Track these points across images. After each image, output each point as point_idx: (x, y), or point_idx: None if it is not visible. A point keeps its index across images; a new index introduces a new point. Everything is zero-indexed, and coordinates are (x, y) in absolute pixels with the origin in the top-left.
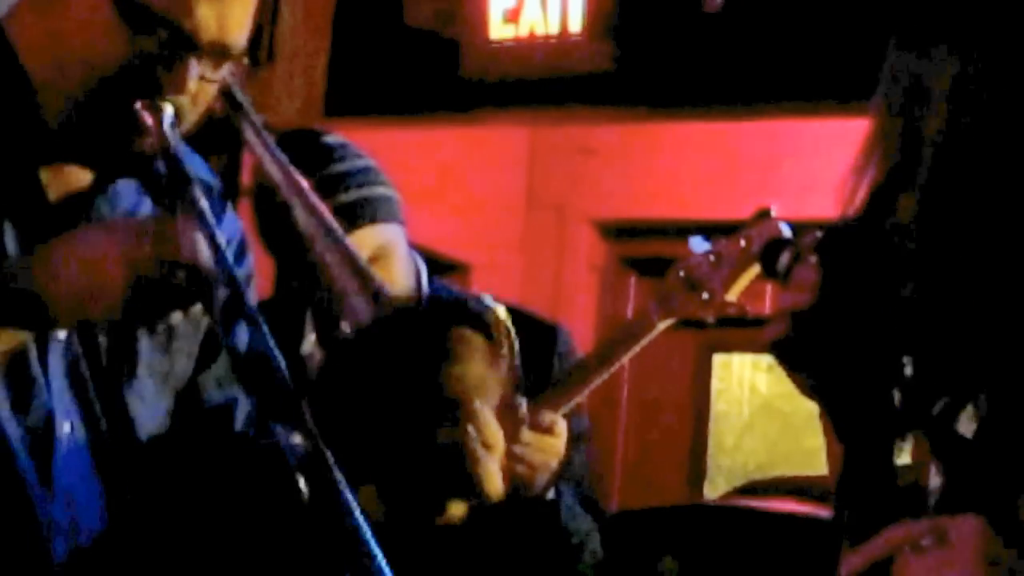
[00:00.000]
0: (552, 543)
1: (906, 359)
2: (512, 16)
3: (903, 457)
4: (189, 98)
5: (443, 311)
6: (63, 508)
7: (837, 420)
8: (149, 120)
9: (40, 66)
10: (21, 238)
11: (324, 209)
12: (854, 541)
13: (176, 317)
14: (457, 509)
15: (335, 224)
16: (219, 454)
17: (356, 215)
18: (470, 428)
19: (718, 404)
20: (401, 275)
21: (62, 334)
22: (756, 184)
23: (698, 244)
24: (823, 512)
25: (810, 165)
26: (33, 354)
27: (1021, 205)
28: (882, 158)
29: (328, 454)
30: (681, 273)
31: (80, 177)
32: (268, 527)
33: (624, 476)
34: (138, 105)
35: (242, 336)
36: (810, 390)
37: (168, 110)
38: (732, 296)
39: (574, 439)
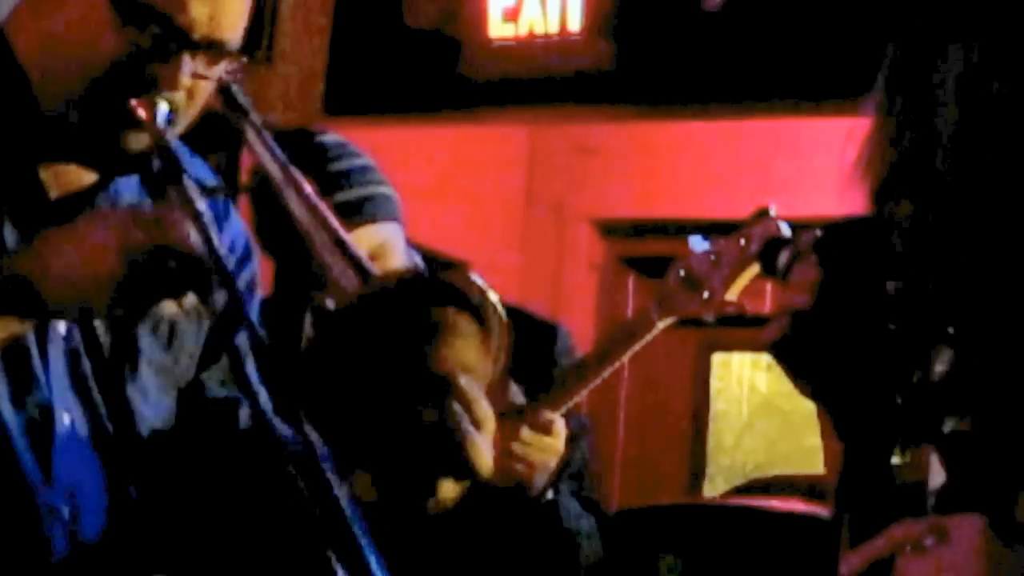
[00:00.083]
0: (552, 542)
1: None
2: (511, 15)
3: (903, 456)
4: (184, 94)
5: (431, 290)
6: (63, 499)
7: (837, 419)
8: (143, 116)
9: (37, 64)
10: (22, 237)
11: (324, 208)
12: (854, 540)
13: (176, 312)
14: (448, 489)
15: (335, 221)
16: (221, 449)
17: (355, 214)
18: (456, 405)
19: (717, 403)
20: None
21: (62, 328)
22: (755, 183)
23: (698, 243)
24: (823, 511)
25: (809, 164)
26: (33, 347)
27: None
28: (883, 157)
29: (318, 447)
30: (681, 272)
31: (81, 176)
32: (266, 521)
33: (624, 475)
34: (133, 101)
35: (242, 336)
36: (808, 389)
37: (163, 106)
38: (732, 295)
39: (573, 438)
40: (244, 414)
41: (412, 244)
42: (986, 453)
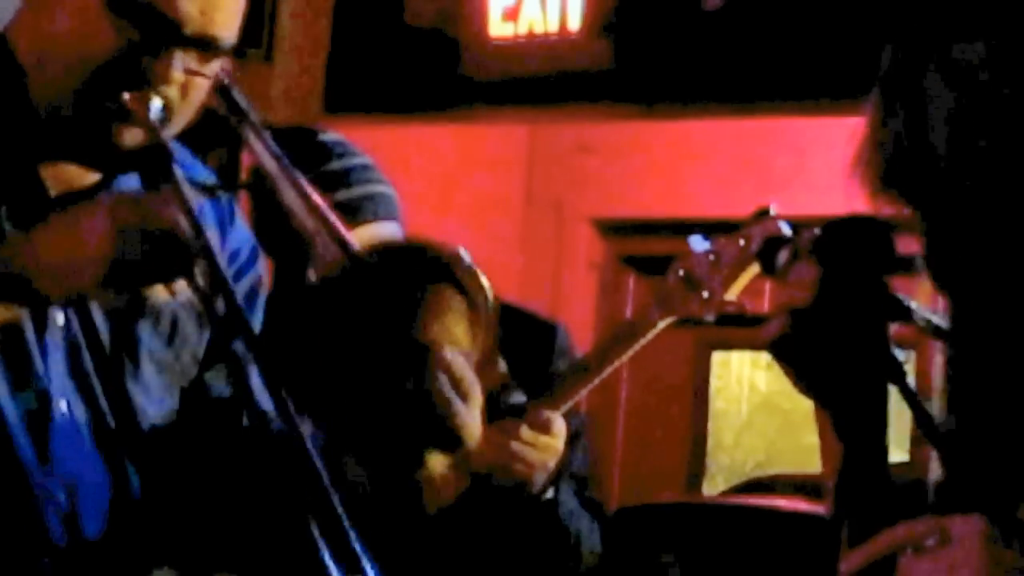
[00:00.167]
0: (551, 542)
1: (904, 357)
2: (511, 15)
3: (903, 454)
4: (178, 91)
5: (416, 263)
6: (60, 486)
7: (835, 418)
8: (136, 110)
9: (36, 64)
10: None
11: (325, 206)
12: (854, 539)
13: (169, 300)
14: (437, 462)
15: (336, 220)
16: (225, 446)
17: (354, 213)
18: (442, 375)
19: (717, 402)
20: None
21: (61, 319)
22: (754, 182)
23: (698, 243)
24: (822, 509)
25: (809, 163)
26: (30, 334)
27: None
28: (880, 156)
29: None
30: (681, 272)
31: (82, 176)
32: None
33: (623, 474)
34: (125, 95)
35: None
36: (807, 387)
37: (156, 102)
38: (732, 295)
39: (573, 437)
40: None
41: None
42: (987, 453)
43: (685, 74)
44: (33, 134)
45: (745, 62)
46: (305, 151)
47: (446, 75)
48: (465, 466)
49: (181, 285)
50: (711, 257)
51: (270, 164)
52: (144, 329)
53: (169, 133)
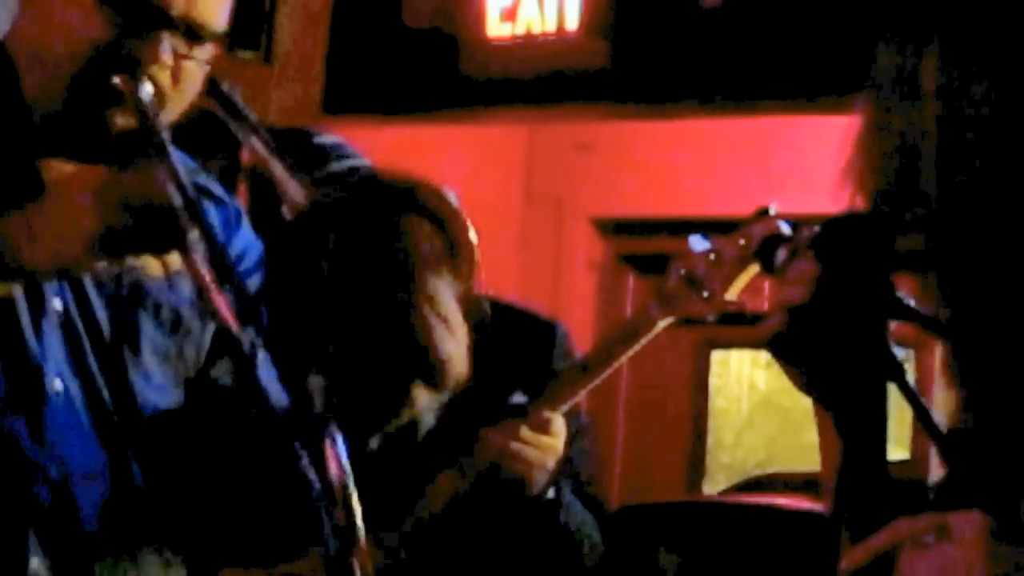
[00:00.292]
0: (552, 541)
1: (904, 355)
2: (509, 15)
3: (903, 452)
4: (168, 75)
5: (390, 197)
6: (53, 460)
7: (835, 415)
8: (125, 92)
9: (32, 65)
10: None
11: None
12: (854, 536)
13: (160, 277)
14: (421, 396)
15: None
16: (231, 434)
17: None
18: (424, 306)
19: (717, 401)
20: None
21: (58, 304)
22: (754, 180)
23: (698, 242)
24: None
25: (808, 161)
26: (25, 318)
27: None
28: (877, 154)
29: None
30: (681, 272)
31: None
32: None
33: (623, 473)
34: (115, 79)
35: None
36: (806, 385)
37: (146, 86)
38: (732, 295)
39: (573, 437)
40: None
41: None
42: (987, 451)
43: (683, 73)
44: (30, 132)
45: (744, 61)
46: (305, 153)
47: (444, 76)
48: (465, 466)
49: (175, 257)
50: (711, 256)
51: (268, 162)
52: (144, 319)
53: (164, 120)
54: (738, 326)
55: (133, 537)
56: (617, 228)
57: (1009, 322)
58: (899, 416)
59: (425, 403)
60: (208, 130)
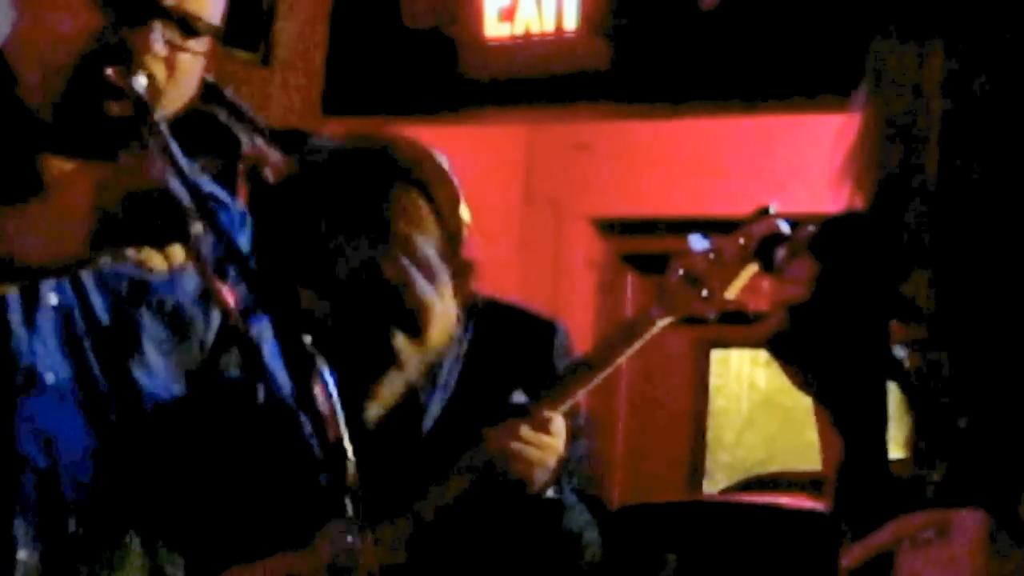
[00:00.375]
0: (553, 541)
1: (904, 354)
2: (507, 15)
3: (902, 450)
4: (163, 66)
5: (373, 160)
6: (39, 448)
7: (834, 414)
8: (119, 82)
9: (30, 68)
10: None
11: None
12: (854, 534)
13: (162, 272)
14: (402, 344)
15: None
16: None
17: None
18: (403, 255)
19: (717, 400)
20: None
21: (54, 299)
22: (752, 180)
23: (697, 241)
24: (823, 506)
25: (807, 160)
26: (15, 315)
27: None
28: (877, 153)
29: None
30: (681, 271)
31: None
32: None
33: (623, 473)
34: (108, 70)
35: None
36: (805, 384)
37: (141, 77)
38: (731, 294)
39: (574, 436)
40: (261, 392)
41: None
42: (987, 449)
43: (682, 73)
44: (28, 129)
45: (742, 60)
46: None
47: (443, 76)
48: (466, 465)
49: (177, 250)
50: (711, 256)
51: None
52: (145, 316)
53: (161, 113)
54: (738, 325)
55: (122, 529)
56: (617, 228)
57: (1009, 315)
58: (899, 416)
59: (409, 356)
60: (207, 131)
